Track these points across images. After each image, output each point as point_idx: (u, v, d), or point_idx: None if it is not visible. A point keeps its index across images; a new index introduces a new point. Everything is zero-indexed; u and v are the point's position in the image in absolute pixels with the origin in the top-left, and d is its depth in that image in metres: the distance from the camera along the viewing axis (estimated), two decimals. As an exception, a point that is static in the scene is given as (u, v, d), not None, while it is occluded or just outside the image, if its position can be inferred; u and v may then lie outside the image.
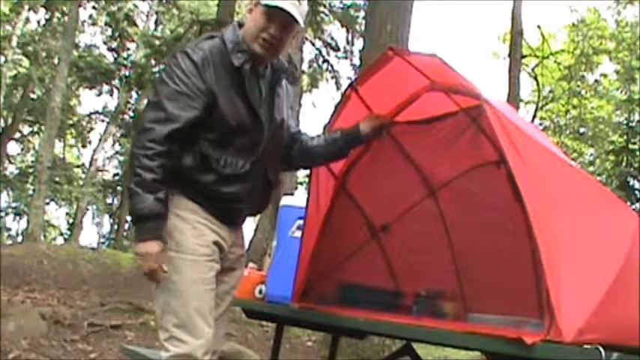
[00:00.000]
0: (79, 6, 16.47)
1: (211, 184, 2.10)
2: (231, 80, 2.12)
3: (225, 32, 2.19)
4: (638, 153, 11.70)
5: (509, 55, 13.38)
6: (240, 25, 2.23)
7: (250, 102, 2.14)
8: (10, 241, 20.75)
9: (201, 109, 2.06)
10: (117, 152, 25.20)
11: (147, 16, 23.18)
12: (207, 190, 2.09)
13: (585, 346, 1.51)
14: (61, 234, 26.69)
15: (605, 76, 19.47)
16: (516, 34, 13.17)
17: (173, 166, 2.03)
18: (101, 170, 24.91)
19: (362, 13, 15.67)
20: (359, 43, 16.30)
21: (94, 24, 21.53)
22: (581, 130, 19.36)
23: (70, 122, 23.03)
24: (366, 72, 2.86)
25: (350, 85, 2.79)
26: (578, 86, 18.79)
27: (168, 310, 2.04)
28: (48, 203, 21.62)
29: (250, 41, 2.14)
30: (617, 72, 19.12)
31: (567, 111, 19.32)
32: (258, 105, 2.18)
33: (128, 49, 20.50)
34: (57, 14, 20.41)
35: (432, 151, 2.95)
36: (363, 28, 11.09)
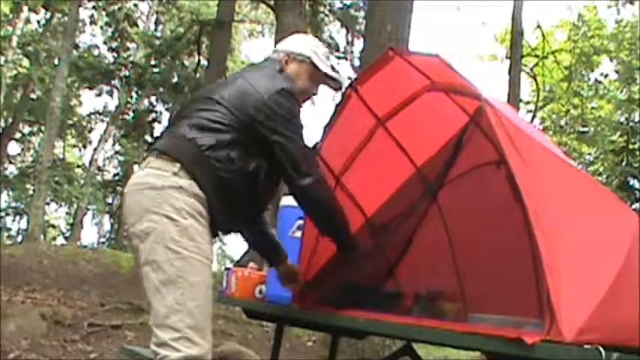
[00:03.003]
0: (79, 6, 16.46)
1: (245, 200, 2.26)
2: None
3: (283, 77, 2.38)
4: (638, 153, 11.68)
5: (509, 56, 13.38)
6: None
7: None
8: (10, 241, 20.76)
9: None
10: (117, 152, 25.22)
11: (147, 16, 23.21)
12: (237, 203, 2.22)
13: (585, 346, 1.51)
14: (62, 234, 26.70)
15: (605, 76, 19.49)
16: (517, 35, 13.16)
17: (228, 170, 2.15)
18: (101, 170, 24.93)
19: (362, 13, 15.66)
20: (359, 44, 16.30)
21: (94, 24, 21.52)
22: (582, 130, 19.35)
23: (70, 122, 23.03)
24: (366, 72, 2.85)
25: (350, 85, 2.78)
26: (578, 86, 18.80)
27: (181, 310, 2.04)
28: (48, 203, 21.62)
29: (300, 96, 2.43)
30: (617, 72, 19.13)
31: (567, 111, 19.33)
32: None
33: (128, 49, 20.46)
34: (57, 14, 20.40)
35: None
36: (363, 28, 11.09)
